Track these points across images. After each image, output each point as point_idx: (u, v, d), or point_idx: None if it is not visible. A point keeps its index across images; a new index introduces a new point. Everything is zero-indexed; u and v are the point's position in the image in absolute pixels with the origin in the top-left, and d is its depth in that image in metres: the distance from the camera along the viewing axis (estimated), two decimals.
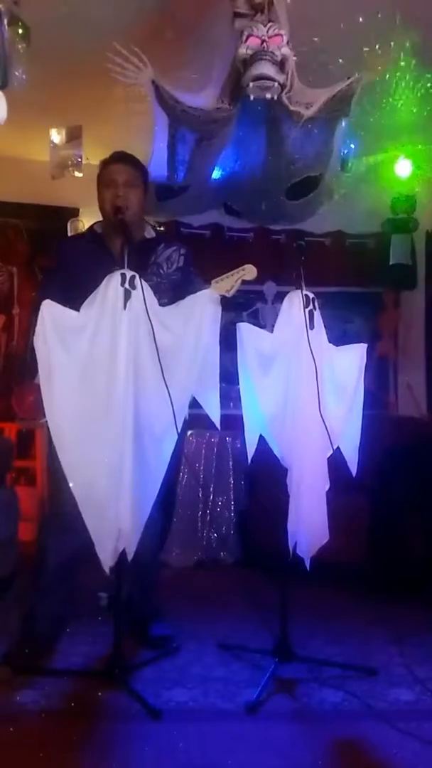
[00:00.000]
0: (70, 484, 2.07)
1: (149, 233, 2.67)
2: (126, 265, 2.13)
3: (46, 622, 2.52)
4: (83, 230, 4.46)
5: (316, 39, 2.88)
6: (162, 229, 3.93)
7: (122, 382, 2.06)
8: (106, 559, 2.07)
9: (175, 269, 2.57)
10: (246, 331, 2.35)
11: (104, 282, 2.10)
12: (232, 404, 2.39)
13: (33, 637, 2.48)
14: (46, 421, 2.39)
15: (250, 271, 2.27)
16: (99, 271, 2.18)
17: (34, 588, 2.55)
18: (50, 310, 2.08)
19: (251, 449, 2.37)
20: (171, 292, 2.47)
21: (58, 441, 2.08)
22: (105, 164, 2.56)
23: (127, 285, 2.08)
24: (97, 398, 2.07)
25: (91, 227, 2.70)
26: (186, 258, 2.61)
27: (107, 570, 2.08)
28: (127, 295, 2.08)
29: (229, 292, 2.25)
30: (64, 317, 2.10)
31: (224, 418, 2.28)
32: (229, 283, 2.26)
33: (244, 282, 2.27)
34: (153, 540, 2.63)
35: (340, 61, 2.97)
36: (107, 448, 2.06)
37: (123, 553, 2.11)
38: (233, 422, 2.40)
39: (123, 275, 2.09)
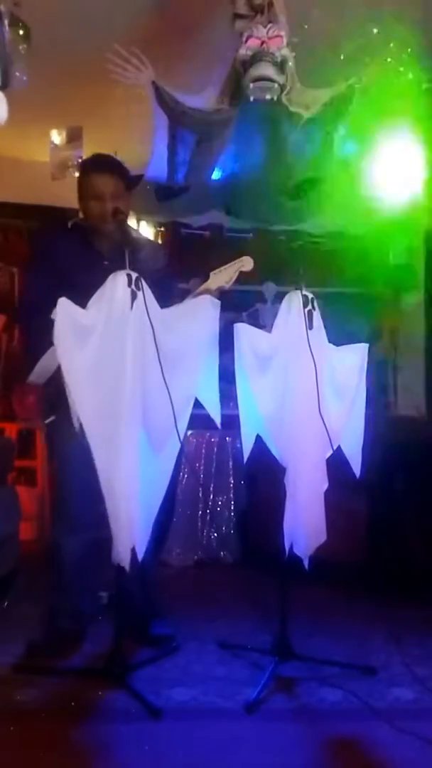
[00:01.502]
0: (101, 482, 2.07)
1: None
2: (128, 266, 2.13)
3: (69, 617, 2.57)
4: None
5: (315, 40, 2.89)
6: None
7: (130, 381, 2.06)
8: (125, 558, 2.07)
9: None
10: (243, 331, 2.35)
11: (109, 281, 2.09)
12: (232, 404, 2.39)
13: (57, 631, 2.54)
14: (46, 422, 2.41)
15: (247, 262, 2.26)
16: (89, 270, 2.18)
17: (53, 585, 2.60)
18: (66, 309, 2.02)
19: (247, 449, 2.38)
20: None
21: (90, 436, 2.05)
22: (87, 171, 2.54)
23: (133, 286, 2.09)
24: (106, 397, 2.07)
25: (75, 224, 2.63)
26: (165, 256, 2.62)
27: (127, 566, 2.09)
28: (134, 296, 2.09)
29: (227, 283, 2.25)
30: (77, 316, 2.07)
31: (224, 418, 2.29)
32: (227, 274, 2.26)
33: (242, 274, 2.27)
34: (155, 539, 2.64)
35: (340, 61, 2.98)
36: (118, 449, 2.06)
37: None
38: (233, 422, 2.40)
39: (129, 276, 2.09)
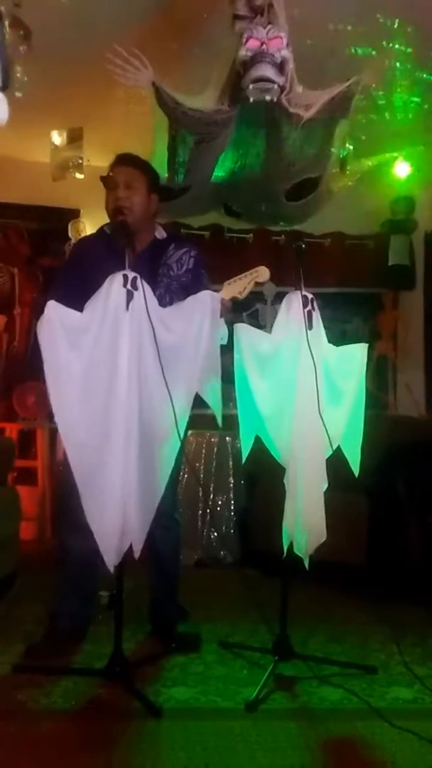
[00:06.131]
0: (78, 483, 2.07)
1: (160, 234, 2.64)
2: (128, 266, 2.13)
3: (70, 617, 2.57)
4: (79, 231, 4.51)
5: (316, 41, 2.90)
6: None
7: (125, 381, 2.06)
8: (111, 558, 2.07)
9: (185, 271, 2.56)
10: (244, 331, 2.36)
11: (106, 283, 2.11)
12: (232, 404, 2.40)
13: (56, 633, 2.54)
14: (50, 422, 2.40)
15: (263, 273, 2.26)
16: (107, 272, 2.18)
17: (57, 586, 2.60)
18: (57, 311, 2.06)
19: (246, 449, 2.39)
20: (181, 293, 2.46)
21: (67, 439, 2.07)
22: (109, 167, 2.55)
23: (129, 286, 2.09)
24: (101, 398, 2.07)
25: (101, 228, 2.66)
26: (196, 260, 2.59)
27: (112, 569, 2.09)
28: (130, 296, 2.09)
29: (241, 294, 2.24)
30: (69, 318, 2.09)
31: (225, 418, 2.29)
32: (241, 284, 2.25)
33: (257, 284, 2.27)
34: (174, 542, 2.66)
35: (340, 62, 2.99)
36: (112, 448, 2.06)
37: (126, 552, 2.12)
38: (234, 422, 2.41)
39: (125, 276, 2.10)
